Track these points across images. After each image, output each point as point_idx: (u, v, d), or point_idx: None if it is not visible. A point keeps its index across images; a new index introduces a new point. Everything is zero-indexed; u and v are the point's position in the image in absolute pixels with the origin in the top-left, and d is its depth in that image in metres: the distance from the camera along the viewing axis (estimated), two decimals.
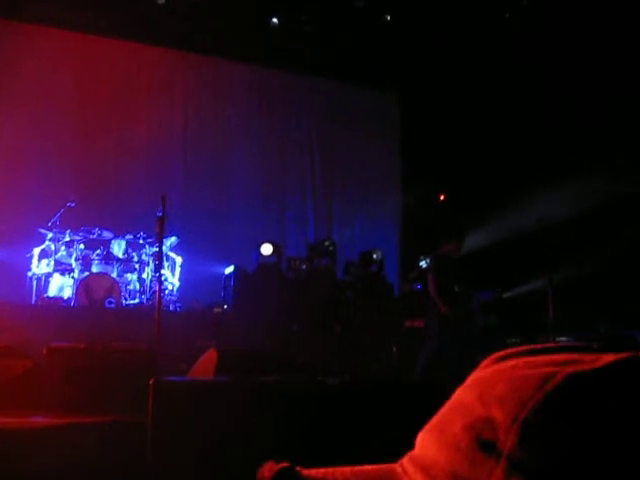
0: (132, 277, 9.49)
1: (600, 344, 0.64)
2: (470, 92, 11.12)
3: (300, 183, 12.18)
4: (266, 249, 10.15)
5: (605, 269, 10.08)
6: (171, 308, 9.50)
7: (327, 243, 10.81)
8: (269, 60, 11.54)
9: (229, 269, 10.10)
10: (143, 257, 9.52)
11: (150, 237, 9.25)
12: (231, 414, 4.58)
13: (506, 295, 10.71)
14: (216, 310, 9.81)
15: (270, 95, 11.97)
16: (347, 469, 0.75)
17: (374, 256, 10.39)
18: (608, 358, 0.59)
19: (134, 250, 9.59)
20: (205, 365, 6.11)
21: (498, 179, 11.31)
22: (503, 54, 10.72)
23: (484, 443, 0.59)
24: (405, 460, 0.69)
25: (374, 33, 10.99)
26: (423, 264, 11.32)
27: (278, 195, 11.93)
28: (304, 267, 10.50)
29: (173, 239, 9.69)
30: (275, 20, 10.96)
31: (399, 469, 0.69)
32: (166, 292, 9.46)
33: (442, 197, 12.67)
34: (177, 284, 9.83)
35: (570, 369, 0.58)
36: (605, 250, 10.22)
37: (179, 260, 9.93)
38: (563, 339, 9.66)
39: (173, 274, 9.83)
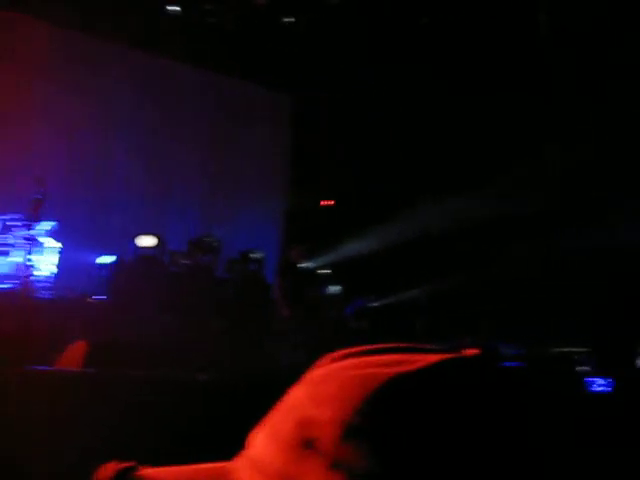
0: (3, 260, 9.14)
1: (435, 346, 0.69)
2: (360, 101, 11.36)
3: (185, 177, 12.05)
4: (147, 241, 10.00)
5: (476, 284, 10.55)
6: (43, 295, 9.20)
7: (210, 239, 10.76)
8: (162, 48, 11.33)
9: (108, 259, 9.89)
10: (16, 240, 9.17)
11: (25, 220, 8.93)
12: (97, 406, 4.54)
13: (380, 302, 11.01)
14: (91, 299, 9.57)
15: (159, 84, 11.75)
16: (185, 468, 0.74)
17: (253, 255, 10.44)
18: (432, 358, 0.62)
19: (6, 233, 9.23)
20: (74, 355, 5.99)
21: (383, 189, 11.61)
22: (398, 62, 10.97)
23: (310, 441, 0.61)
24: (240, 459, 0.70)
25: (272, 32, 11.04)
26: (303, 267, 11.49)
27: (162, 187, 11.75)
28: (186, 262, 10.41)
29: (50, 224, 9.40)
30: (177, 8, 10.82)
31: (234, 467, 0.70)
32: (40, 278, 9.15)
33: (328, 203, 12.88)
34: (52, 271, 9.54)
35: (394, 370, 0.61)
36: (479, 267, 10.70)
37: (55, 246, 9.63)
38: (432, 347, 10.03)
39: (49, 260, 9.53)
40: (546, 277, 10.43)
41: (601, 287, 9.05)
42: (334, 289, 10.98)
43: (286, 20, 11.01)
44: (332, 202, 12.71)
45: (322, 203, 12.85)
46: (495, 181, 10.15)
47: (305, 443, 0.62)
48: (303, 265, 8.64)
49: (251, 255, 10.60)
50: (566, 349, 9.83)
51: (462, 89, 10.62)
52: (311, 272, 8.67)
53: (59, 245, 9.62)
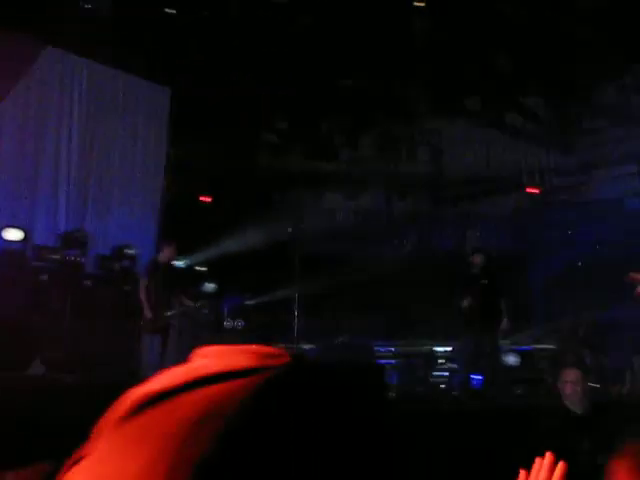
0: None
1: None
2: (237, 98, 11.30)
3: (55, 168, 11.52)
4: (11, 234, 9.53)
5: (349, 284, 10.76)
6: None
7: (79, 234, 10.39)
8: (38, 33, 10.79)
9: None
10: None
11: None
12: None
13: (255, 301, 11.01)
14: None
15: (28, 70, 11.16)
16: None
17: (127, 252, 10.18)
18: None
19: None
20: None
21: (264, 185, 11.62)
22: (270, 58, 11.00)
23: None
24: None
25: (154, 23, 10.76)
26: (180, 264, 11.31)
27: (29, 179, 11.18)
28: (53, 257, 10.01)
29: None
30: None
31: None
32: None
33: (205, 199, 12.72)
34: None
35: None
36: (351, 267, 10.92)
37: None
38: (308, 346, 10.15)
39: None
40: (414, 279, 10.80)
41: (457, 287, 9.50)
42: (209, 287, 10.87)
43: (168, 11, 10.76)
44: (209, 198, 12.57)
45: (201, 199, 12.68)
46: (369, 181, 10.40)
47: None
48: (173, 264, 8.56)
49: (125, 251, 10.31)
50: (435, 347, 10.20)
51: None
52: (182, 272, 8.68)
53: None
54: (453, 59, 10.09)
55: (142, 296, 8.04)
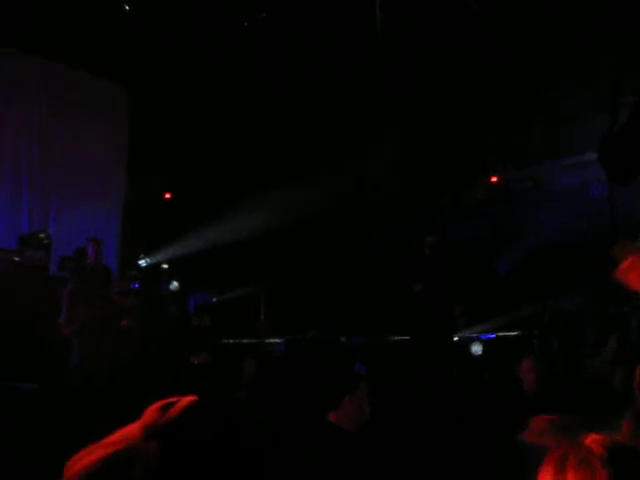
0: None
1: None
2: (200, 94, 11.23)
3: (15, 169, 11.36)
4: None
5: (316, 278, 10.79)
6: None
7: (42, 235, 10.27)
8: None
9: None
10: None
11: None
12: None
13: (221, 297, 10.99)
14: None
15: None
16: None
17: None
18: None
19: None
20: None
21: (222, 183, 11.57)
22: (233, 58, 10.96)
23: None
24: None
25: (109, 21, 10.63)
26: (143, 262, 11.24)
27: None
28: (14, 259, 9.88)
29: None
30: None
31: None
32: None
33: (167, 196, 12.65)
34: None
35: None
36: (317, 260, 10.94)
37: None
38: (276, 340, 10.18)
39: None
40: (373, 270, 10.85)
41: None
42: (174, 285, 10.84)
43: (126, 8, 10.65)
44: (170, 195, 12.51)
45: (166, 196, 12.61)
46: (326, 178, 10.42)
47: None
48: (99, 265, 8.43)
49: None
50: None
51: (290, 87, 10.85)
52: (107, 272, 8.55)
53: None
54: None
55: (63, 299, 7.87)
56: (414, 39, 10.33)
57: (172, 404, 0.61)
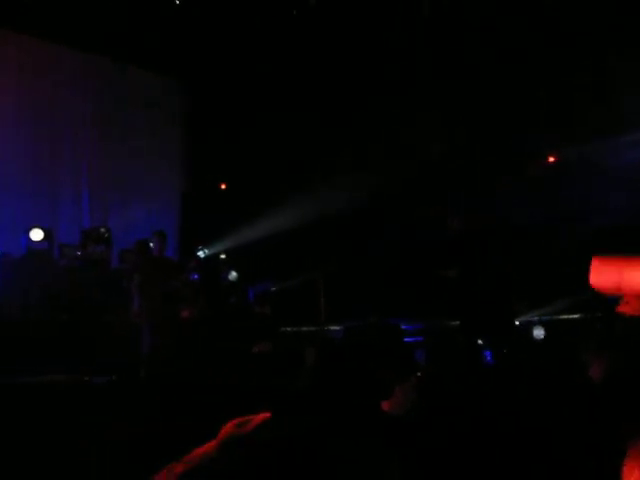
0: None
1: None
2: (257, 85, 11.26)
3: (75, 167, 11.61)
4: (36, 234, 9.64)
5: (375, 263, 10.75)
6: None
7: (102, 230, 10.48)
8: (49, 33, 10.82)
9: None
10: None
11: None
12: None
13: (280, 286, 11.04)
14: None
15: (45, 70, 11.23)
16: None
17: (151, 244, 10.23)
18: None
19: None
20: None
21: (277, 173, 11.61)
22: (289, 49, 10.95)
23: None
24: None
25: (164, 17, 10.73)
26: (201, 254, 11.37)
27: (51, 178, 11.28)
28: (77, 254, 10.11)
29: None
30: None
31: None
32: None
33: (223, 186, 12.75)
34: None
35: None
36: (374, 245, 10.89)
37: None
38: (335, 327, 10.18)
39: None
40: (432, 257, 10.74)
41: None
42: (233, 275, 10.94)
43: (177, 2, 10.73)
44: (225, 186, 12.61)
45: (221, 186, 12.71)
46: (382, 162, 10.36)
47: None
48: (163, 257, 8.58)
49: (150, 244, 10.37)
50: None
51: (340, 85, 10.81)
52: (172, 263, 8.70)
53: None
54: None
55: (133, 289, 8.08)
56: (466, 16, 10.18)
57: (247, 421, 0.63)
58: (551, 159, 12.54)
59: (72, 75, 11.48)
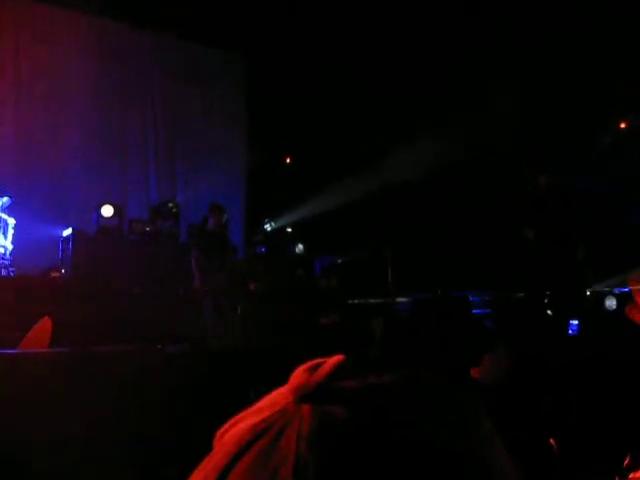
0: None
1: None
2: (316, 56, 11.18)
3: (142, 143, 11.80)
4: (106, 211, 9.83)
5: (440, 234, 10.62)
6: (3, 273, 9.00)
7: (170, 205, 10.63)
8: (110, 12, 10.97)
9: (67, 231, 9.68)
10: None
11: None
12: (69, 385, 4.46)
13: (346, 258, 11.02)
14: (53, 274, 9.41)
15: (110, 49, 11.40)
16: None
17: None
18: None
19: None
20: (39, 334, 5.88)
21: (341, 145, 11.53)
22: (348, 19, 10.83)
23: None
24: None
25: None
26: (268, 227, 11.43)
27: (118, 155, 11.49)
28: (147, 229, 10.28)
29: (5, 199, 9.14)
30: None
31: None
32: None
33: (288, 160, 12.77)
34: (10, 247, 9.30)
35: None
36: (440, 217, 10.75)
37: (12, 222, 9.39)
38: (403, 299, 10.13)
39: (5, 237, 9.29)
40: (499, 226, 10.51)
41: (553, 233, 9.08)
42: (299, 248, 10.97)
43: None
44: (290, 159, 12.61)
45: (286, 160, 12.72)
46: (447, 131, 10.17)
47: None
48: (221, 231, 8.63)
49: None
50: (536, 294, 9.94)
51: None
52: (226, 240, 8.76)
53: (13, 221, 9.36)
54: None
55: (193, 264, 8.20)
56: None
57: (319, 365, 0.56)
58: (622, 125, 12.14)
59: (137, 55, 11.63)
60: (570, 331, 8.48)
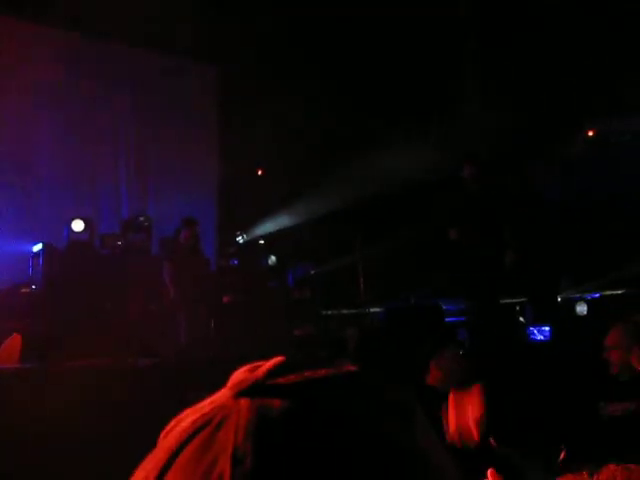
0: None
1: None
2: (288, 68, 11.21)
3: (112, 156, 11.74)
4: (77, 225, 9.76)
5: (411, 243, 10.67)
6: None
7: (142, 218, 10.58)
8: (79, 25, 10.93)
9: (37, 247, 9.60)
10: None
11: None
12: (39, 401, 4.41)
13: (319, 269, 11.05)
14: (23, 290, 9.32)
15: (80, 62, 11.34)
16: None
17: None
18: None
19: None
20: (9, 350, 5.82)
21: (314, 155, 11.57)
22: (322, 27, 10.87)
23: None
24: None
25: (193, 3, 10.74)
26: (240, 239, 11.43)
27: (88, 168, 11.43)
28: (118, 243, 10.23)
29: None
30: None
31: None
32: None
33: (260, 172, 12.76)
34: None
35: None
36: (412, 225, 10.81)
37: None
38: (375, 309, 10.17)
39: None
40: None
41: (534, 237, 9.19)
42: (271, 259, 10.98)
43: None
44: (262, 171, 12.62)
45: (258, 172, 12.72)
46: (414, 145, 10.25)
47: None
48: (193, 246, 8.68)
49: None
50: (506, 300, 10.04)
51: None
52: (199, 252, 8.82)
53: None
54: None
55: (166, 277, 8.24)
56: None
57: (259, 365, 0.59)
58: (590, 132, 12.28)
59: (106, 67, 11.58)
60: (542, 337, 8.58)
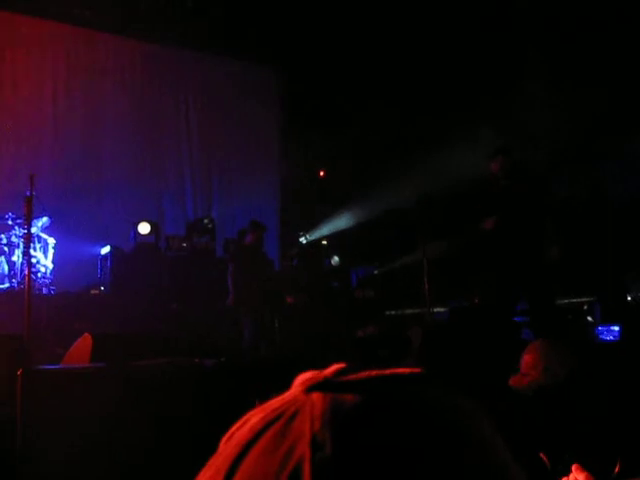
0: (1, 260, 9.06)
1: None
2: (352, 71, 11.20)
3: (177, 159, 11.95)
4: (143, 228, 9.95)
5: (476, 243, 10.50)
6: (45, 291, 9.16)
7: (206, 220, 10.72)
8: (144, 32, 11.16)
9: (105, 249, 9.83)
10: (13, 239, 9.08)
11: (19, 218, 8.83)
12: (108, 401, 4.49)
13: (382, 269, 10.99)
14: (93, 292, 9.55)
15: (145, 68, 11.60)
16: None
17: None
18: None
19: (2, 232, 9.13)
20: (80, 351, 5.95)
21: (376, 155, 11.52)
22: (384, 28, 10.82)
23: None
24: None
25: (251, 4, 10.83)
26: (303, 240, 11.47)
27: (154, 172, 11.65)
28: (183, 245, 10.39)
29: (45, 219, 9.31)
30: None
31: None
32: (39, 275, 9.09)
33: (322, 173, 12.79)
34: (50, 266, 9.47)
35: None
36: (476, 224, 10.65)
37: (52, 241, 9.56)
38: (440, 309, 10.06)
39: (46, 256, 9.45)
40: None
41: (601, 236, 8.95)
42: (335, 260, 10.97)
43: None
44: (324, 173, 12.64)
45: (320, 173, 12.75)
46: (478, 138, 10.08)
47: None
48: (259, 249, 8.72)
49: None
50: (573, 300, 9.81)
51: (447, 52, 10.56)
52: (262, 254, 8.83)
53: (53, 240, 9.53)
54: None
55: (229, 279, 8.28)
56: None
57: (324, 369, 0.58)
58: None
59: (172, 72, 11.79)
60: (611, 337, 8.34)
